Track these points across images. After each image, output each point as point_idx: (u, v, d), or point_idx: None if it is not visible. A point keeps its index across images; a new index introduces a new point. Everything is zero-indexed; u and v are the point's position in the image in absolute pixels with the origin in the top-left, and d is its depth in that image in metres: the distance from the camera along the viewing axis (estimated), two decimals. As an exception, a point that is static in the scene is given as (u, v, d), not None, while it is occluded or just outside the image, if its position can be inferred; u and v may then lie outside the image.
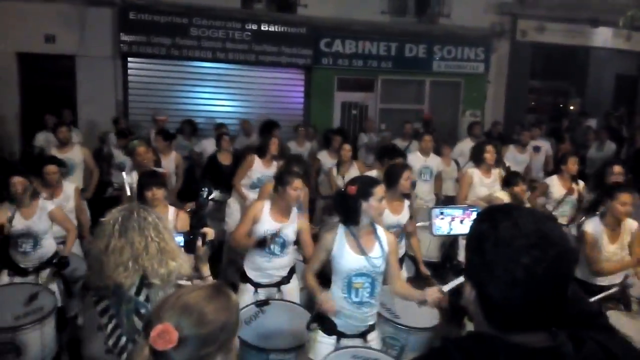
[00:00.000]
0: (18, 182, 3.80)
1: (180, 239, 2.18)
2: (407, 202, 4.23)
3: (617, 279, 3.81)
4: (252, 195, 5.39)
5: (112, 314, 1.76)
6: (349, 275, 2.92)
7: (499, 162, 6.43)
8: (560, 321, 1.32)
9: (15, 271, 3.85)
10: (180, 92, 9.64)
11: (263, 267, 3.69)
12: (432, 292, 2.67)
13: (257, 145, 5.95)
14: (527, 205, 4.39)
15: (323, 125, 9.27)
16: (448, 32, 10.56)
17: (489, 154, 5.37)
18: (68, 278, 3.96)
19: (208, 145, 7.13)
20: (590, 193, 5.01)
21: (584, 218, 4.05)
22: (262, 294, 3.65)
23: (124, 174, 4.64)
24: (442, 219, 2.81)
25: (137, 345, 1.28)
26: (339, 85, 10.53)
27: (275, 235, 3.57)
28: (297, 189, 3.61)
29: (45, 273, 3.90)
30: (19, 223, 3.82)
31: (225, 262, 5.29)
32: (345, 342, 2.96)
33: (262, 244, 3.59)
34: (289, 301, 3.58)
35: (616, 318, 3.34)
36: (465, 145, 7.19)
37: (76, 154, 5.85)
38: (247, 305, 3.35)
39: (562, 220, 5.28)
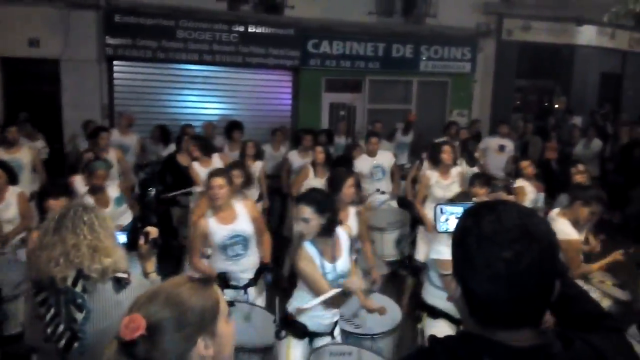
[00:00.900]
0: None
1: (123, 237, 2.27)
2: (353, 211, 4.11)
3: None
4: None
5: (50, 304, 1.84)
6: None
7: (474, 161, 6.47)
8: (565, 322, 1.31)
9: None
10: (167, 95, 9.56)
11: (229, 270, 3.66)
12: (350, 281, 2.76)
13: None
14: None
15: (311, 127, 9.24)
16: (435, 32, 10.60)
17: (446, 154, 5.27)
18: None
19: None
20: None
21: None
22: (227, 296, 3.57)
23: None
24: (443, 215, 2.79)
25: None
26: (327, 86, 10.52)
27: (228, 278, 3.53)
28: (215, 186, 3.60)
29: None
30: None
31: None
32: (317, 341, 2.99)
33: (225, 282, 3.57)
34: (252, 304, 3.54)
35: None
36: None
37: (24, 155, 5.70)
38: None
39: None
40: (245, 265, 3.72)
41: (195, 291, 1.30)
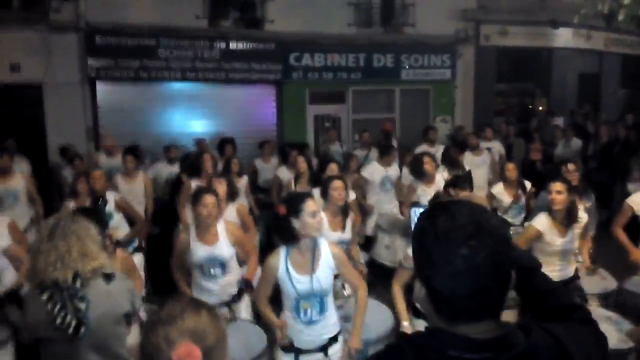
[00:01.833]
0: None
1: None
2: (349, 219, 4.14)
3: (569, 273, 3.88)
4: None
5: (55, 300, 2.19)
6: (295, 299, 2.86)
7: (458, 166, 6.55)
8: (539, 315, 1.35)
9: None
10: (151, 114, 9.57)
11: (209, 289, 3.61)
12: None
13: (189, 167, 5.84)
14: None
15: (297, 139, 9.31)
16: (414, 41, 10.77)
17: (428, 165, 5.39)
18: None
19: (162, 169, 7.23)
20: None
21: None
22: None
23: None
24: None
25: None
26: (311, 98, 10.61)
27: None
28: (207, 204, 3.52)
29: None
30: None
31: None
32: (304, 358, 2.92)
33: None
34: (240, 319, 3.52)
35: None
36: (434, 151, 7.32)
37: (18, 183, 5.54)
38: None
39: (516, 222, 5.38)
40: (225, 283, 3.66)
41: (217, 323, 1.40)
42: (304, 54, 10.23)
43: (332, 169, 5.29)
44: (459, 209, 1.11)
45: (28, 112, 8.82)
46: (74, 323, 2.18)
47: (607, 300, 4.03)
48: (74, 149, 7.56)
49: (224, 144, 7.54)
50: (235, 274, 3.75)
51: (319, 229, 2.87)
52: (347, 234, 4.09)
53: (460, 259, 1.04)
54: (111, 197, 4.79)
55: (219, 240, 3.61)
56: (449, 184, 4.38)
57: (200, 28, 9.32)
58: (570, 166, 4.92)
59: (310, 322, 2.89)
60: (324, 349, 2.96)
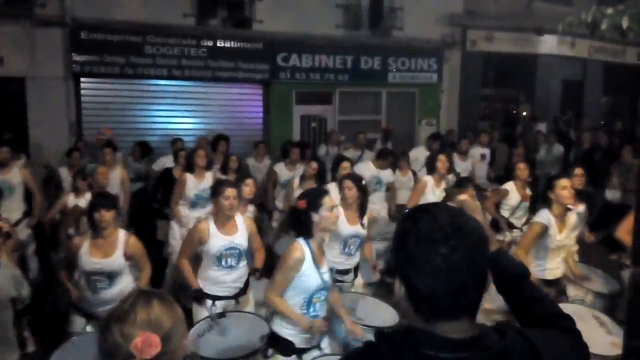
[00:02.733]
0: None
1: None
2: (366, 217, 4.25)
3: (559, 272, 3.97)
4: (195, 214, 5.34)
5: None
6: (312, 294, 2.92)
7: (450, 169, 6.63)
8: (525, 322, 1.40)
9: None
10: (136, 111, 9.50)
11: (222, 280, 3.67)
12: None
13: (184, 162, 5.91)
14: (479, 211, 4.41)
15: (283, 140, 9.29)
16: (401, 45, 10.84)
17: (441, 162, 5.57)
18: None
19: (167, 163, 7.06)
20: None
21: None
22: (219, 307, 3.60)
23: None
24: None
25: None
26: (298, 99, 10.62)
27: (221, 315, 3.37)
28: (229, 197, 3.62)
29: None
30: None
31: (172, 284, 5.10)
32: (304, 357, 2.97)
33: (199, 300, 3.61)
34: (246, 312, 3.58)
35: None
36: (419, 153, 7.38)
37: (14, 176, 5.64)
38: (203, 319, 3.33)
39: (518, 224, 5.48)
40: (237, 276, 3.73)
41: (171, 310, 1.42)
42: (291, 55, 10.24)
43: (345, 167, 5.49)
44: (439, 212, 1.16)
45: (10, 106, 8.69)
46: None
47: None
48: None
49: (218, 140, 7.51)
50: (245, 268, 3.82)
51: (335, 223, 3.06)
52: (363, 230, 4.18)
53: (439, 257, 1.09)
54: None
55: (238, 230, 3.72)
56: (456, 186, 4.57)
57: (188, 26, 9.28)
58: (578, 170, 4.99)
59: (316, 317, 2.97)
60: (319, 344, 3.06)
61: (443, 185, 5.58)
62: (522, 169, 5.59)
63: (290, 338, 2.96)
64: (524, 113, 12.60)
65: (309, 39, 10.14)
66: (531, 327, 1.33)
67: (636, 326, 2.16)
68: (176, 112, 9.75)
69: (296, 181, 6.02)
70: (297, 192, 5.66)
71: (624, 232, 4.21)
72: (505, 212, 5.59)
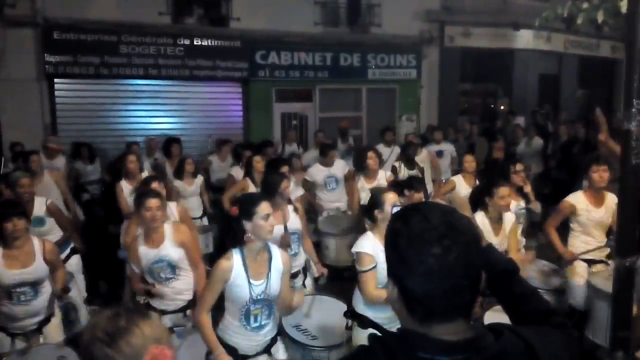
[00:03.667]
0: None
1: None
2: (290, 207, 4.14)
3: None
4: None
5: None
6: (246, 305, 2.77)
7: (414, 164, 6.63)
8: (516, 319, 1.38)
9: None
10: (112, 112, 9.35)
11: (163, 293, 3.51)
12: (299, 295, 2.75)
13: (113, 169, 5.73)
14: (466, 207, 4.40)
15: (263, 138, 9.22)
16: (380, 41, 10.85)
17: (372, 160, 5.60)
18: None
19: None
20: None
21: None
22: (168, 321, 3.42)
23: None
24: None
25: None
26: (278, 96, 10.56)
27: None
28: (151, 208, 3.42)
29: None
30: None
31: (129, 294, 4.83)
32: None
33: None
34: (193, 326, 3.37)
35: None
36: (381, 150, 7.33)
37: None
38: None
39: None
40: (179, 288, 3.54)
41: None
42: (270, 52, 10.17)
43: (371, 157, 5.54)
44: (431, 211, 1.13)
45: (-18, 109, 8.48)
46: None
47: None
48: (21, 146, 7.24)
49: (170, 143, 7.24)
50: (188, 278, 3.62)
51: (271, 232, 2.80)
52: (294, 223, 4.06)
53: (433, 258, 1.06)
54: (42, 201, 4.53)
55: (164, 241, 3.51)
56: (404, 185, 4.46)
57: (164, 24, 9.15)
58: (518, 166, 4.79)
59: (260, 327, 2.84)
60: (267, 349, 2.92)
61: (377, 181, 5.55)
62: (469, 162, 5.60)
63: (232, 343, 2.83)
64: (502, 107, 12.73)
65: (287, 36, 10.08)
66: (525, 325, 1.30)
67: (622, 318, 2.17)
68: (154, 112, 9.62)
69: (249, 183, 5.65)
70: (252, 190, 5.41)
71: (548, 225, 4.25)
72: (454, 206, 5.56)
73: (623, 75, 2.10)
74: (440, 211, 1.13)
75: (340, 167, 6.32)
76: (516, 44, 12.18)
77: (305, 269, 4.20)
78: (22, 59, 8.47)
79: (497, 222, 3.91)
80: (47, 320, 3.52)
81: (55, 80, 8.88)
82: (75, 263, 4.59)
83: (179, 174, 6.03)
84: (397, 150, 7.58)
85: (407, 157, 6.60)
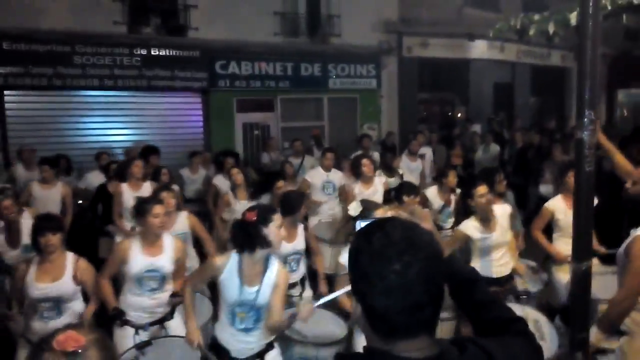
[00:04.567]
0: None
1: None
2: (301, 227, 4.21)
3: (506, 271, 4.08)
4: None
5: None
6: (232, 306, 2.88)
7: (393, 171, 6.72)
8: (479, 328, 1.38)
9: None
10: (66, 124, 9.04)
11: (144, 305, 3.44)
12: (305, 308, 2.65)
13: (115, 172, 5.72)
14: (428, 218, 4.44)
15: (225, 148, 9.11)
16: (340, 51, 10.96)
17: (366, 167, 5.62)
18: None
19: (93, 179, 6.71)
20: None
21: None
22: (143, 334, 3.33)
23: None
24: None
25: None
26: (239, 106, 10.48)
27: (147, 344, 3.12)
28: (158, 214, 3.41)
29: None
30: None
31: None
32: None
33: (117, 317, 3.35)
34: (175, 336, 3.32)
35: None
36: None
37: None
38: (126, 350, 3.06)
39: (446, 226, 5.57)
40: (161, 300, 3.50)
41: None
42: (230, 62, 10.09)
43: (365, 164, 5.56)
44: (393, 227, 1.13)
45: None
46: None
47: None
48: None
49: (150, 153, 7.19)
50: (170, 291, 3.58)
51: (280, 243, 2.97)
52: (300, 244, 4.14)
53: (393, 274, 1.05)
54: (27, 221, 4.35)
55: (163, 251, 3.48)
56: (398, 191, 4.51)
57: (119, 34, 8.93)
58: (457, 150, 5.00)
59: (247, 330, 2.91)
60: (260, 355, 2.97)
61: (376, 184, 5.58)
62: (451, 177, 5.57)
63: (226, 346, 2.92)
64: (460, 115, 13.05)
65: (247, 46, 10.03)
66: (488, 333, 1.32)
67: (580, 319, 2.23)
68: (110, 123, 9.36)
69: (230, 196, 5.70)
70: (238, 205, 5.44)
71: (533, 229, 4.36)
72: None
73: (573, 83, 2.18)
74: (401, 227, 1.13)
75: (338, 176, 6.31)
76: (471, 54, 12.55)
77: (304, 280, 4.20)
78: (-31, 71, 8.11)
79: (488, 221, 3.98)
80: (170, 315, 3.52)
81: (5, 92, 8.52)
82: None
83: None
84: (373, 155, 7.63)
85: (386, 165, 6.64)
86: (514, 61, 13.58)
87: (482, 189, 3.95)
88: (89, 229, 6.15)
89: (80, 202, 6.86)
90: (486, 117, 12.38)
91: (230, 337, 2.92)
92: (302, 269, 4.20)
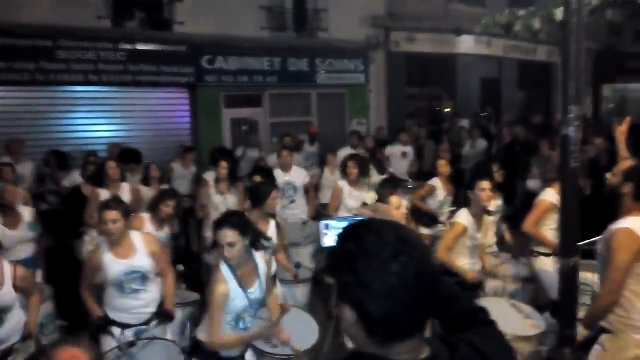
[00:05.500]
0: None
1: None
2: (272, 222, 4.19)
3: (477, 268, 4.09)
4: None
5: None
6: (240, 312, 2.90)
7: (383, 168, 6.71)
8: (445, 323, 1.38)
9: None
10: (50, 120, 8.88)
11: (129, 306, 3.39)
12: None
13: (92, 175, 5.53)
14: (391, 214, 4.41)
15: (213, 144, 9.04)
16: (328, 46, 10.90)
17: (350, 169, 5.54)
18: None
19: (78, 178, 6.55)
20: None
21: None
22: (128, 336, 3.28)
23: None
24: (329, 232, 2.79)
25: None
26: (226, 102, 10.38)
27: (130, 345, 3.08)
28: (109, 221, 3.30)
29: None
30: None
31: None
32: None
33: (102, 328, 3.30)
34: (158, 338, 3.30)
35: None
36: (346, 153, 7.43)
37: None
38: (110, 350, 3.03)
39: (443, 218, 5.63)
40: (147, 300, 3.45)
41: None
42: (217, 57, 10.00)
43: (351, 166, 5.50)
44: (383, 228, 1.10)
45: None
46: None
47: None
48: None
49: (128, 160, 6.92)
50: (156, 289, 3.53)
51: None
52: (272, 237, 4.06)
53: (393, 276, 1.03)
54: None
55: (136, 252, 3.41)
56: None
57: (103, 29, 8.78)
58: (444, 146, 5.11)
59: (246, 329, 2.95)
60: (242, 355, 3.02)
61: (362, 187, 5.56)
62: (443, 165, 5.75)
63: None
64: (447, 110, 13.10)
65: (234, 41, 9.94)
66: (455, 329, 1.32)
67: (568, 316, 2.23)
68: (95, 119, 9.23)
69: (212, 187, 5.57)
70: (215, 197, 5.39)
71: (530, 225, 4.35)
72: (432, 207, 5.73)
73: (559, 78, 2.18)
74: (391, 227, 1.11)
75: (301, 175, 6.22)
76: (458, 49, 12.57)
77: (275, 277, 4.15)
78: (-51, 66, 7.93)
79: (479, 218, 4.02)
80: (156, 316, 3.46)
81: (-14, 88, 8.36)
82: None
83: (146, 180, 5.86)
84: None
85: (378, 162, 6.64)
86: (501, 56, 13.64)
87: (484, 184, 3.98)
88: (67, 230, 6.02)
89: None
90: (473, 113, 12.45)
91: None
92: (274, 266, 4.15)
